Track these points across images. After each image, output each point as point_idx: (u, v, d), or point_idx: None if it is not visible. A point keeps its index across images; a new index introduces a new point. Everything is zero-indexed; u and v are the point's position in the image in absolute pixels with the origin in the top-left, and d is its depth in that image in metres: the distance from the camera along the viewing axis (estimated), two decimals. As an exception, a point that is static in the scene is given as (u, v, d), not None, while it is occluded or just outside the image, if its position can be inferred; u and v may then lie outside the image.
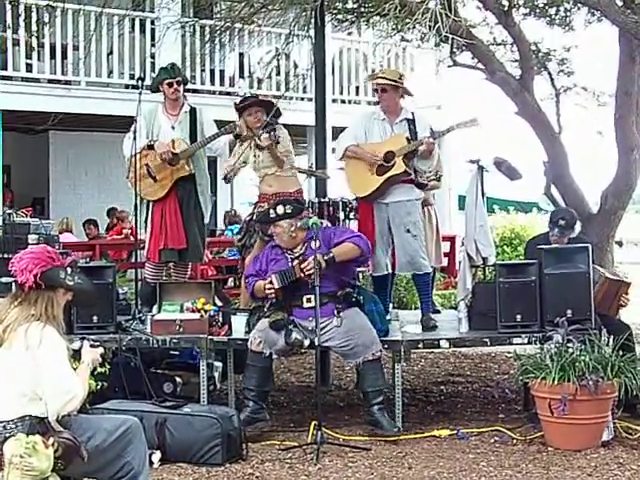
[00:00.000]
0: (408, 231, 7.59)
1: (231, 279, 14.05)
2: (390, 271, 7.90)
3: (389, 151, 7.53)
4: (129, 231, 14.05)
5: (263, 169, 7.99)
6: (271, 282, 6.86)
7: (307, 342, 6.73)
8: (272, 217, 7.03)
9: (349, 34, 16.47)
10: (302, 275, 6.81)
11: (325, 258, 6.79)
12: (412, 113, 7.76)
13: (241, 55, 15.92)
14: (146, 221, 8.00)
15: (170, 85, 8.02)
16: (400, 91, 7.74)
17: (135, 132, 7.83)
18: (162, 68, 8.41)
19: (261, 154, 7.93)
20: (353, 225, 9.11)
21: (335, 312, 6.85)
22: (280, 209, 7.00)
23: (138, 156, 7.86)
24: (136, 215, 7.98)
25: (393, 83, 7.67)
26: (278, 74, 15.75)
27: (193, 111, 8.15)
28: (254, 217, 8.00)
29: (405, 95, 7.82)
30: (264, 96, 9.79)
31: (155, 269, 8.14)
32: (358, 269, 8.01)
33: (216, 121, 8.14)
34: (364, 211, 7.78)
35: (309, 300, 6.83)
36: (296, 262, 6.90)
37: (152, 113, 8.05)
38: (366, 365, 6.79)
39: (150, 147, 7.94)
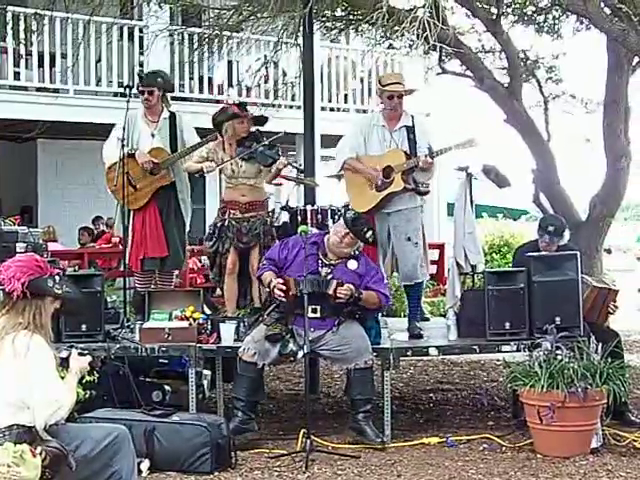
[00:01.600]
0: (409, 239, 7.60)
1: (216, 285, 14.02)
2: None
3: (388, 166, 7.52)
4: (118, 239, 14.02)
5: (241, 178, 7.89)
6: (293, 284, 6.82)
7: (301, 354, 6.69)
8: (360, 233, 7.01)
9: (337, 42, 16.49)
10: (332, 295, 6.79)
11: (355, 294, 6.83)
12: (412, 118, 7.73)
13: (230, 63, 15.91)
14: (126, 230, 7.98)
15: (142, 93, 8.02)
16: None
17: (123, 140, 7.80)
18: (138, 75, 8.44)
19: (244, 165, 7.84)
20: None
21: (335, 323, 6.87)
22: (369, 233, 7.05)
23: (116, 165, 7.87)
24: (123, 223, 7.97)
25: (408, 89, 7.67)
26: (266, 82, 15.75)
27: (172, 117, 8.14)
28: (225, 223, 7.92)
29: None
30: (252, 103, 9.74)
31: (142, 277, 8.15)
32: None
33: (205, 129, 8.12)
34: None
35: (314, 310, 6.83)
36: (335, 283, 6.84)
37: (132, 120, 8.01)
38: (357, 372, 6.78)
39: (130, 156, 7.91)
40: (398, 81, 7.78)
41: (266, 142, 7.79)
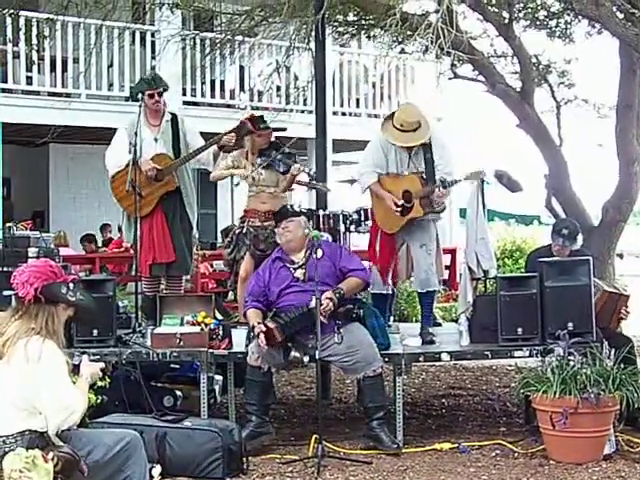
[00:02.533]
0: (422, 246, 7.60)
1: (231, 293, 14.04)
2: (391, 292, 7.96)
3: (407, 190, 7.51)
4: (129, 244, 14.06)
5: (262, 186, 7.99)
6: (277, 332, 6.68)
7: (307, 358, 6.68)
8: (289, 212, 7.08)
9: (349, 47, 16.51)
10: (323, 315, 6.67)
11: (336, 295, 6.79)
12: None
13: (241, 68, 15.94)
14: (135, 237, 7.98)
15: (151, 96, 7.99)
16: None
17: (135, 145, 7.79)
18: (142, 78, 8.42)
19: (264, 173, 7.95)
20: (353, 238, 9.12)
21: (336, 328, 6.83)
22: (297, 208, 7.07)
23: (121, 173, 7.89)
24: (134, 230, 7.96)
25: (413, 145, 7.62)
26: (278, 90, 15.76)
27: (174, 119, 8.14)
28: (243, 231, 8.00)
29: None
30: (264, 108, 9.72)
31: (150, 282, 8.16)
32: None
33: (216, 134, 8.12)
34: (378, 230, 7.76)
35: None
36: (313, 303, 6.69)
37: (133, 126, 7.99)
38: (367, 380, 6.76)
39: (134, 163, 7.90)
40: (408, 132, 7.58)
41: (285, 150, 7.86)
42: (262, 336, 6.63)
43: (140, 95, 8.02)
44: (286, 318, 6.75)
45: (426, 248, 7.61)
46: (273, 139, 8.10)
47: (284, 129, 8.32)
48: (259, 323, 6.75)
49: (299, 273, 7.00)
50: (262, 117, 8.31)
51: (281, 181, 7.98)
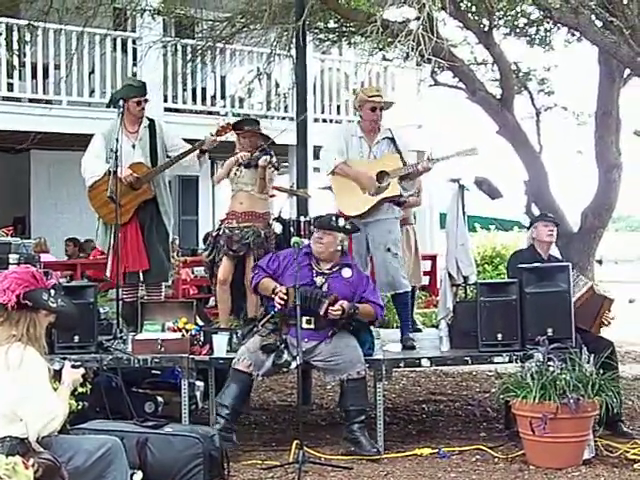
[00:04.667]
0: (389, 250, 7.61)
1: (212, 298, 14.03)
2: None
3: (382, 171, 7.54)
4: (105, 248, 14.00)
5: (240, 184, 7.97)
6: (286, 293, 6.82)
7: (294, 364, 6.69)
8: (331, 225, 7.04)
9: (330, 54, 16.55)
10: (325, 313, 6.78)
11: (350, 310, 6.84)
12: (390, 130, 7.78)
13: (222, 75, 15.94)
14: (109, 244, 7.96)
15: (138, 103, 8.00)
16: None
17: (116, 151, 7.77)
18: (129, 84, 8.41)
19: (244, 171, 7.93)
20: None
21: (329, 334, 6.88)
22: (341, 221, 7.04)
23: (99, 182, 7.88)
24: (111, 237, 7.95)
25: (387, 101, 7.72)
26: (261, 99, 15.77)
27: (152, 124, 8.14)
28: (220, 233, 7.99)
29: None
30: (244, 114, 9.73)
31: (127, 289, 8.17)
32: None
33: (198, 140, 8.13)
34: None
35: (309, 322, 6.85)
36: (327, 303, 6.80)
37: (111, 134, 7.96)
38: (350, 383, 6.78)
39: (113, 172, 7.88)
40: (380, 94, 7.85)
41: (265, 148, 7.88)
42: (280, 297, 6.78)
43: (122, 101, 7.98)
44: (306, 293, 6.80)
45: (391, 251, 7.61)
46: (261, 143, 8.06)
47: (269, 138, 8.31)
48: (279, 286, 6.88)
49: (319, 280, 7.01)
50: (251, 119, 8.32)
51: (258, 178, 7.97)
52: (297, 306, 6.65)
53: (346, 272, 6.98)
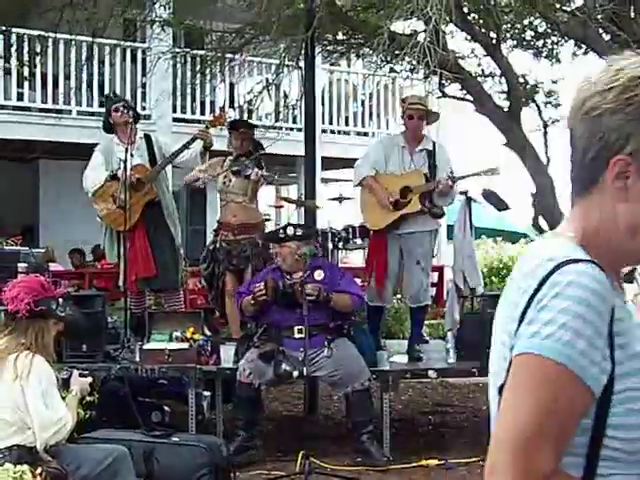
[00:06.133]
0: (418, 262, 7.64)
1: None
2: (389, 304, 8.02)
3: (406, 186, 7.56)
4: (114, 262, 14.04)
5: (230, 194, 8.02)
6: (265, 282, 6.87)
7: (296, 373, 6.71)
8: (281, 237, 7.05)
9: (338, 65, 16.59)
10: (299, 290, 6.76)
11: (324, 294, 6.84)
12: (433, 143, 7.77)
13: (231, 85, 15.99)
14: (119, 253, 8.00)
15: (117, 110, 8.05)
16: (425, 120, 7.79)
17: (125, 162, 7.82)
18: (105, 99, 8.47)
19: (234, 180, 7.97)
20: (342, 255, 9.17)
21: (326, 343, 6.87)
22: (290, 230, 7.04)
23: (101, 190, 7.92)
24: (118, 248, 7.97)
25: (426, 109, 7.73)
26: (270, 113, 15.80)
27: (148, 137, 8.19)
28: (217, 246, 8.04)
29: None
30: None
31: (136, 299, 8.19)
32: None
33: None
34: (377, 242, 7.79)
35: (300, 331, 6.84)
36: (297, 282, 6.88)
37: (107, 149, 8.05)
38: (355, 395, 6.80)
39: (113, 177, 7.93)
40: (421, 102, 7.83)
41: (257, 157, 7.91)
42: (259, 293, 6.87)
43: (109, 119, 8.07)
44: (276, 282, 6.91)
45: (420, 265, 7.64)
46: (252, 149, 8.10)
47: (261, 146, 8.35)
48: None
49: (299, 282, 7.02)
50: (247, 122, 8.38)
51: (251, 190, 8.00)
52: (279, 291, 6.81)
53: (318, 275, 6.94)
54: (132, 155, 8.00)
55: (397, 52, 9.26)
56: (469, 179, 7.71)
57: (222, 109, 8.19)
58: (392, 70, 13.88)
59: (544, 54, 12.42)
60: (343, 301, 7.00)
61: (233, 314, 8.01)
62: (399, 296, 8.26)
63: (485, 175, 7.65)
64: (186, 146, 7.94)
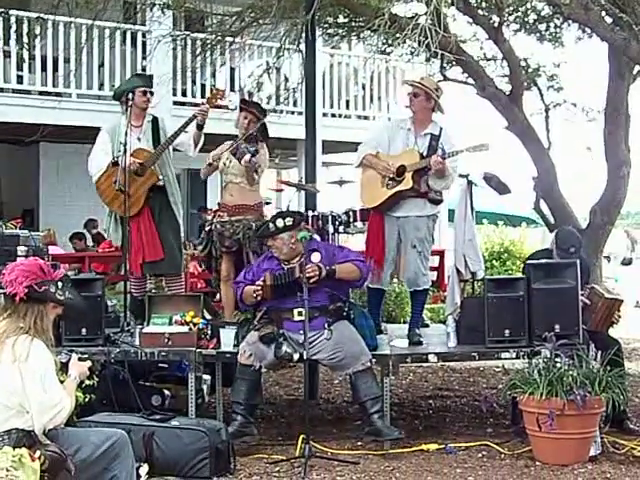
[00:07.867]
0: (414, 247, 7.60)
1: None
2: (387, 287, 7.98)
3: (402, 165, 7.53)
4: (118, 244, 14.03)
5: (230, 175, 8.03)
6: (264, 281, 6.85)
7: (297, 356, 6.68)
8: (272, 231, 7.01)
9: (339, 48, 16.53)
10: (301, 276, 6.70)
11: (327, 268, 6.81)
12: (441, 129, 7.69)
13: (232, 69, 15.95)
14: (124, 237, 7.97)
15: (144, 93, 7.99)
16: (432, 102, 7.70)
17: (125, 144, 7.77)
18: (135, 76, 8.38)
19: (233, 161, 7.98)
20: (342, 239, 9.14)
21: (326, 325, 6.85)
22: (280, 222, 6.98)
23: (104, 176, 7.89)
24: (123, 231, 7.95)
25: (424, 88, 7.62)
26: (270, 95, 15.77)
27: (155, 120, 8.14)
28: (212, 227, 8.04)
29: (436, 110, 7.77)
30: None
31: (137, 283, 8.17)
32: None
33: (206, 135, 8.14)
34: (375, 223, 7.75)
35: (300, 313, 6.80)
36: (297, 267, 6.82)
37: (115, 129, 7.99)
38: (357, 375, 6.76)
39: (115, 164, 7.88)
40: (417, 81, 7.74)
41: (253, 148, 7.92)
42: (257, 289, 6.83)
43: (130, 94, 7.96)
44: (274, 273, 6.88)
45: (416, 249, 7.61)
46: (257, 133, 8.09)
47: (266, 130, 8.33)
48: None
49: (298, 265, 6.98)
50: (260, 105, 8.42)
51: (249, 174, 7.99)
52: (278, 284, 6.77)
53: (315, 257, 6.84)
54: (139, 139, 7.97)
55: (398, 35, 9.22)
56: (460, 155, 7.61)
57: (218, 90, 8.11)
58: (388, 53, 13.85)
59: (547, 38, 12.39)
60: (348, 268, 6.95)
61: (227, 299, 8.00)
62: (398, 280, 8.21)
63: (475, 151, 7.58)
64: (184, 126, 7.90)
